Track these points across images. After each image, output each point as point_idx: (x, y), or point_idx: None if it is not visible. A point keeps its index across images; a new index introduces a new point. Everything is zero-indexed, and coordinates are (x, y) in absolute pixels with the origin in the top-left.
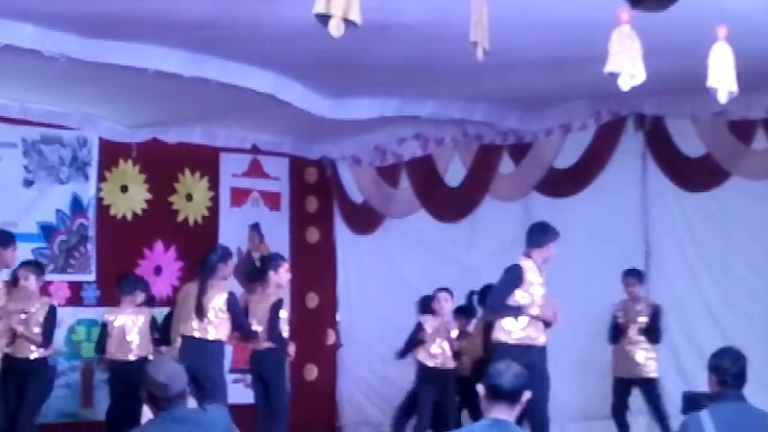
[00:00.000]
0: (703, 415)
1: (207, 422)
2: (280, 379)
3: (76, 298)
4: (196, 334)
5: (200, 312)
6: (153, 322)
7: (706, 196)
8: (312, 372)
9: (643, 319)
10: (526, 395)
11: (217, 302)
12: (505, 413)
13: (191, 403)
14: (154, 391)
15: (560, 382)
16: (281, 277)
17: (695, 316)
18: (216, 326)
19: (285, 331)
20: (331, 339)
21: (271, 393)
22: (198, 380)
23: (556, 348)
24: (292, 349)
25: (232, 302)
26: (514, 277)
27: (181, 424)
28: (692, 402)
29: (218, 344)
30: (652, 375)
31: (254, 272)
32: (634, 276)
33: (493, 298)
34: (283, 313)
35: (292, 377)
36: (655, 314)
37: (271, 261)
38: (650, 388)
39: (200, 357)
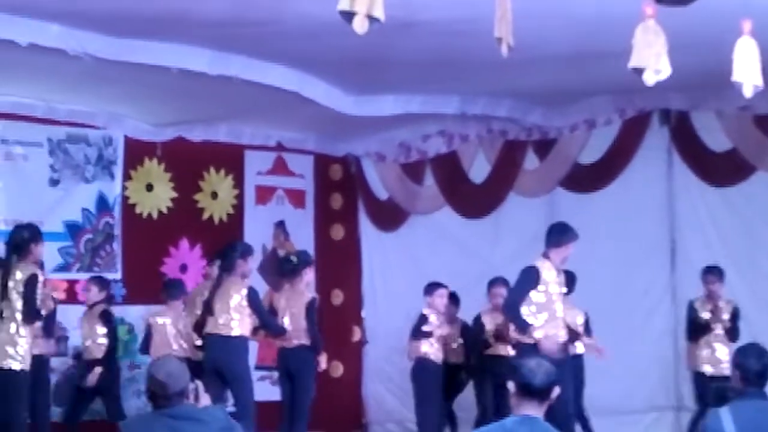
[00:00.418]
0: (724, 411)
1: (204, 420)
2: (308, 378)
3: None
4: (220, 330)
5: (209, 308)
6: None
7: (731, 191)
8: (338, 369)
9: (726, 317)
10: (556, 391)
11: (235, 299)
12: (534, 410)
13: (205, 400)
14: (153, 388)
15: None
16: (312, 275)
17: None
18: (239, 321)
19: None
20: (356, 336)
21: (296, 391)
22: (222, 376)
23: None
24: (323, 359)
25: (252, 298)
26: (530, 279)
27: (177, 420)
28: (720, 395)
29: (241, 339)
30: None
31: (287, 268)
32: (714, 274)
33: (507, 300)
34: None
35: (317, 375)
36: (735, 313)
37: (306, 256)
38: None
39: (223, 353)
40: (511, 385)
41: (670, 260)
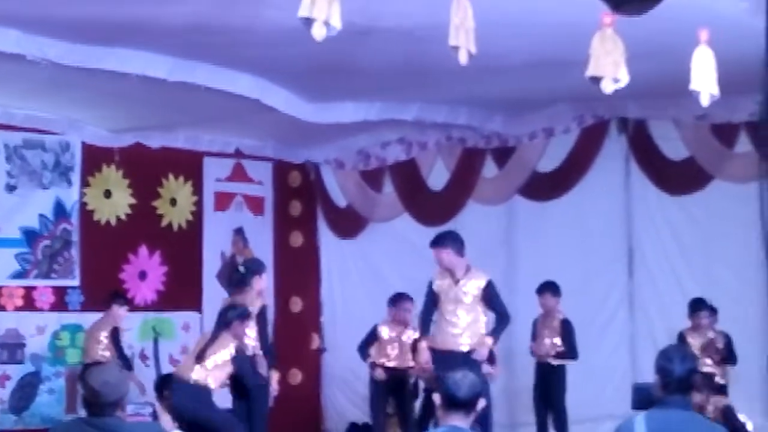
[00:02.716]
0: (638, 421)
1: None
2: (260, 387)
3: (60, 304)
4: (193, 377)
5: (200, 358)
6: None
7: (688, 199)
8: (296, 377)
9: (720, 346)
10: (482, 403)
11: (221, 355)
12: (461, 421)
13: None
14: (87, 396)
15: None
16: (264, 282)
17: (678, 316)
18: (214, 377)
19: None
20: (315, 343)
21: (251, 400)
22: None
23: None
24: (275, 378)
25: (237, 361)
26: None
27: (97, 430)
28: (643, 395)
29: (208, 391)
30: None
31: (235, 278)
32: (704, 308)
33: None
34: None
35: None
36: (729, 341)
37: (256, 265)
38: None
39: (192, 400)
40: (437, 397)
41: (627, 268)
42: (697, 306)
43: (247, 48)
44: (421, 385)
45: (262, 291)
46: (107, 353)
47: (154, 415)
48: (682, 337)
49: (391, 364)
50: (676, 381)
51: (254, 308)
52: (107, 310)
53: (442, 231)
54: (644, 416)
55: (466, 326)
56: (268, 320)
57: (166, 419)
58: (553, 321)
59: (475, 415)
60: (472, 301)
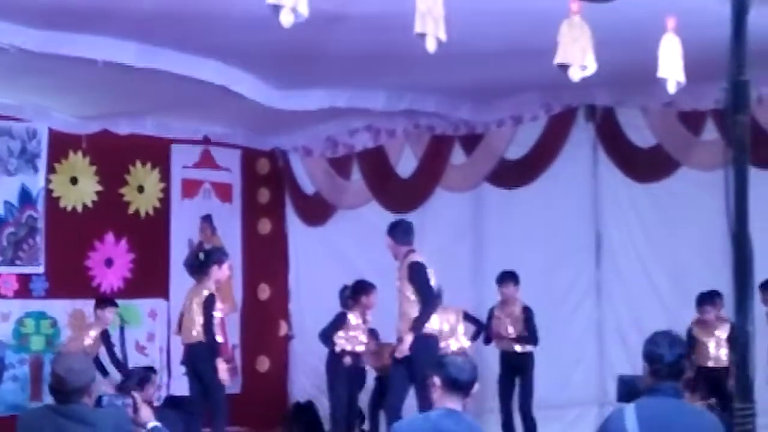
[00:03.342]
0: (628, 410)
1: (92, 423)
2: (211, 373)
3: (24, 291)
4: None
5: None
6: None
7: (656, 187)
8: (264, 363)
9: (725, 335)
10: (476, 387)
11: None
12: (457, 404)
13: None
14: (52, 382)
15: None
16: (224, 272)
17: (645, 304)
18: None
19: (219, 336)
20: (283, 330)
21: (206, 387)
22: None
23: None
24: (221, 365)
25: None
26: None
27: (65, 419)
28: (628, 386)
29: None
30: None
31: (194, 264)
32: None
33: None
34: (218, 313)
35: (243, 368)
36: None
37: (215, 255)
38: None
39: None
40: (436, 380)
41: (594, 255)
42: (703, 300)
43: (213, 34)
44: (373, 373)
45: (220, 280)
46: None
47: (135, 407)
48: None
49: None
50: (666, 367)
51: (202, 296)
52: (100, 313)
53: (393, 221)
54: (634, 405)
55: (399, 313)
56: (216, 315)
57: (146, 412)
58: (513, 309)
59: (469, 399)
60: (407, 287)
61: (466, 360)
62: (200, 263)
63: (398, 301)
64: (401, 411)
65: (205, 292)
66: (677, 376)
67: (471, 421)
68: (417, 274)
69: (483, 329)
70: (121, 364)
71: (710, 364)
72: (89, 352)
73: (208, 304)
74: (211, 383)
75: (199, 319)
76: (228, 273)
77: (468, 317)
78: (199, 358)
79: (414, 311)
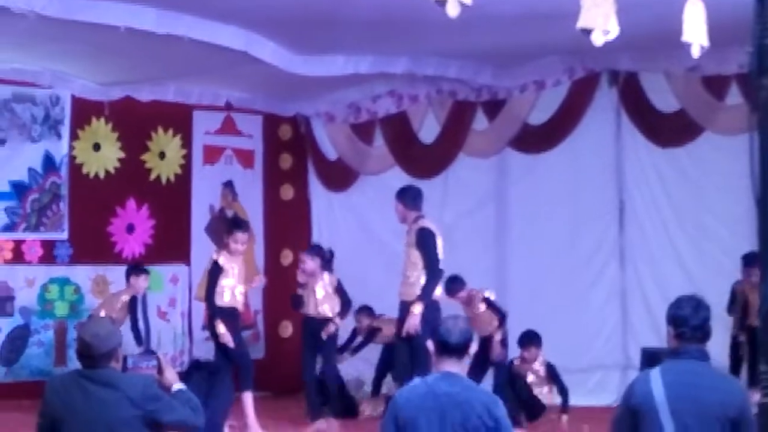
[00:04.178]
0: (654, 373)
1: (118, 387)
2: (233, 335)
3: (48, 257)
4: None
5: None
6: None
7: (679, 152)
8: (287, 329)
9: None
10: (473, 348)
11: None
12: (454, 366)
13: (170, 373)
14: (79, 348)
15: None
16: (238, 242)
17: (668, 270)
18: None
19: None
20: None
21: (227, 350)
22: None
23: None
24: (219, 326)
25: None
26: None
27: (92, 383)
28: (651, 358)
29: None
30: None
31: (220, 231)
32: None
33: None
34: (230, 281)
35: (266, 335)
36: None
37: (230, 225)
38: None
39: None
40: (430, 344)
41: (618, 221)
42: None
43: None
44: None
45: (237, 249)
46: (116, 315)
47: (159, 369)
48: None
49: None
50: (691, 330)
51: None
52: (133, 281)
53: (400, 186)
54: (659, 369)
55: (403, 277)
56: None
57: (171, 374)
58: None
59: (469, 359)
60: (413, 251)
61: (457, 323)
62: (227, 227)
63: (403, 264)
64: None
65: (214, 258)
66: (702, 340)
67: (467, 382)
68: (425, 241)
69: (505, 318)
70: (139, 336)
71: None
72: (117, 317)
73: (212, 272)
74: (230, 348)
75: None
76: (237, 247)
77: (491, 305)
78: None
79: (416, 277)
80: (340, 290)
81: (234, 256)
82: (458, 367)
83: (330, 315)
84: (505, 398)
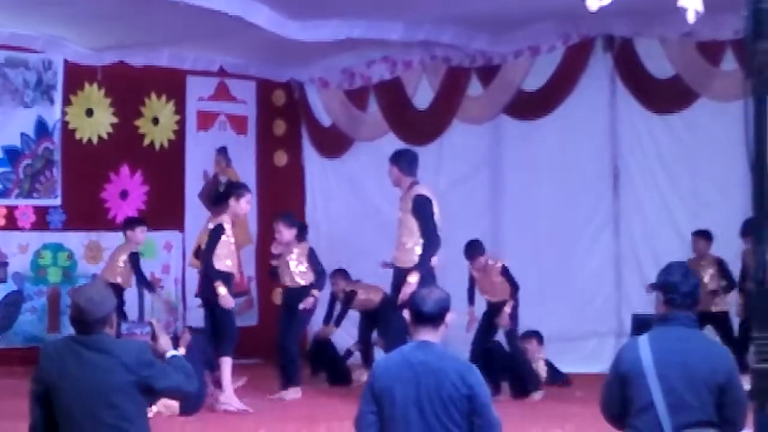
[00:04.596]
0: (642, 339)
1: (112, 352)
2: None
3: (42, 223)
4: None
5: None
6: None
7: (674, 118)
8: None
9: None
10: (450, 317)
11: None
12: (430, 335)
13: (164, 340)
14: (73, 313)
15: (529, 304)
16: (241, 207)
17: (663, 236)
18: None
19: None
20: None
21: (216, 317)
22: None
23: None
24: (220, 288)
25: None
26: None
27: (86, 349)
28: (641, 325)
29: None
30: None
31: (217, 196)
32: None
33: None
34: (230, 247)
35: (259, 301)
36: None
37: (234, 188)
38: None
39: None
40: (406, 313)
41: (612, 187)
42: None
43: None
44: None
45: (237, 214)
46: (121, 278)
47: (153, 336)
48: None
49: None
50: (681, 296)
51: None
52: (130, 234)
53: (395, 150)
54: (648, 336)
55: (397, 243)
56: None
57: (165, 340)
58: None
59: (445, 329)
60: (408, 218)
61: (432, 291)
62: (219, 195)
63: (398, 230)
64: None
65: (217, 221)
66: (691, 307)
67: (442, 350)
68: (422, 208)
69: (518, 290)
70: (150, 286)
71: None
72: (123, 281)
73: (214, 234)
74: (220, 312)
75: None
76: (246, 208)
77: (506, 274)
78: (206, 288)
79: (413, 243)
80: (313, 260)
81: (236, 220)
82: (433, 336)
83: (305, 284)
84: (518, 362)
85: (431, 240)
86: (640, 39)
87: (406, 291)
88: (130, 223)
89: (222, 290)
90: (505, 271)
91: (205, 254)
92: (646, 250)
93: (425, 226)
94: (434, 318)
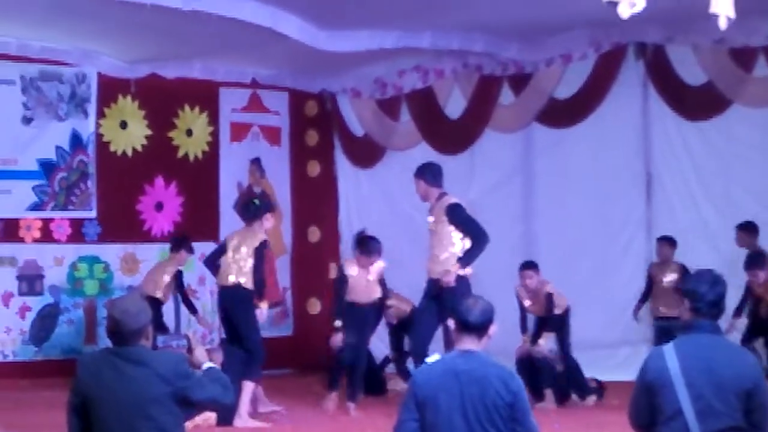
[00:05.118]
0: (668, 348)
1: (148, 364)
2: (243, 316)
3: (77, 235)
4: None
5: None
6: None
7: (707, 125)
8: (315, 306)
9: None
10: (493, 328)
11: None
12: (473, 344)
13: (200, 352)
14: (109, 325)
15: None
16: (270, 222)
17: (697, 243)
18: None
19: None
20: (333, 273)
21: (240, 333)
22: None
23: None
24: (264, 306)
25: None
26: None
27: (122, 360)
28: (665, 333)
29: (246, 292)
30: None
31: (249, 210)
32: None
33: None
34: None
35: (295, 312)
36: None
37: (266, 203)
38: None
39: (232, 300)
40: (451, 322)
41: (645, 194)
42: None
43: None
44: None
45: (269, 230)
46: (161, 293)
47: (189, 348)
48: None
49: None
50: (707, 305)
51: (256, 240)
52: (175, 254)
53: (422, 162)
54: (673, 344)
55: (433, 255)
56: (266, 257)
57: (200, 352)
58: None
59: (488, 340)
60: (441, 228)
61: (477, 301)
62: (255, 208)
63: (430, 243)
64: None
65: (260, 237)
66: (717, 316)
67: (484, 358)
68: (459, 214)
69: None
70: (193, 308)
71: None
72: (164, 294)
73: (261, 250)
74: (247, 328)
75: (245, 264)
76: (272, 222)
77: (549, 300)
78: (235, 302)
79: (445, 255)
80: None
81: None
82: (477, 346)
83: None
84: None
85: (480, 238)
86: (672, 46)
87: (447, 278)
88: (177, 245)
89: (264, 306)
90: (548, 297)
91: (256, 271)
92: (679, 257)
93: (470, 227)
94: (479, 328)
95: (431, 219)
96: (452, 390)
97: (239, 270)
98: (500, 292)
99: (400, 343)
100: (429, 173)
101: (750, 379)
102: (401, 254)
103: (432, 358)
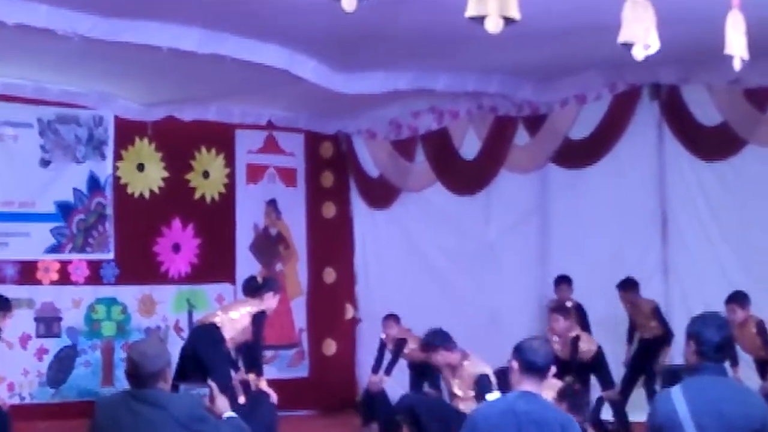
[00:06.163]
0: (675, 391)
1: (165, 406)
2: (215, 357)
3: (95, 277)
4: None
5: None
6: None
7: (723, 165)
8: (331, 347)
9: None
10: (553, 370)
11: (244, 309)
12: (534, 386)
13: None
14: (127, 368)
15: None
16: (275, 302)
17: (713, 284)
18: (230, 326)
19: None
20: (349, 313)
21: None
22: None
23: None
24: (263, 384)
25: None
26: None
27: (139, 403)
28: (672, 376)
29: (218, 330)
30: None
31: (251, 285)
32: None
33: None
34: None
35: (310, 353)
36: None
37: (273, 283)
38: None
39: (200, 337)
40: (514, 364)
41: (661, 235)
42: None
43: (274, 18)
44: None
45: (269, 308)
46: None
47: (211, 397)
48: None
49: None
50: (713, 348)
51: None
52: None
53: (427, 334)
54: (680, 386)
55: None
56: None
57: (222, 401)
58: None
59: (547, 382)
60: (462, 391)
61: (541, 343)
62: (258, 286)
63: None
64: None
65: (254, 309)
66: (722, 360)
67: (545, 401)
68: (486, 388)
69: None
70: (235, 365)
71: None
72: (237, 340)
73: (259, 319)
74: (214, 368)
75: (229, 317)
76: (275, 303)
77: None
78: (204, 340)
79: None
80: None
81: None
82: (537, 388)
83: None
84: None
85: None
86: (687, 86)
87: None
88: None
89: (263, 381)
90: (574, 343)
91: (256, 339)
92: (696, 298)
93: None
94: (542, 370)
95: (458, 385)
96: (510, 430)
97: (215, 317)
98: (519, 330)
99: (419, 386)
100: (439, 340)
101: (758, 419)
102: (418, 294)
103: (492, 396)
